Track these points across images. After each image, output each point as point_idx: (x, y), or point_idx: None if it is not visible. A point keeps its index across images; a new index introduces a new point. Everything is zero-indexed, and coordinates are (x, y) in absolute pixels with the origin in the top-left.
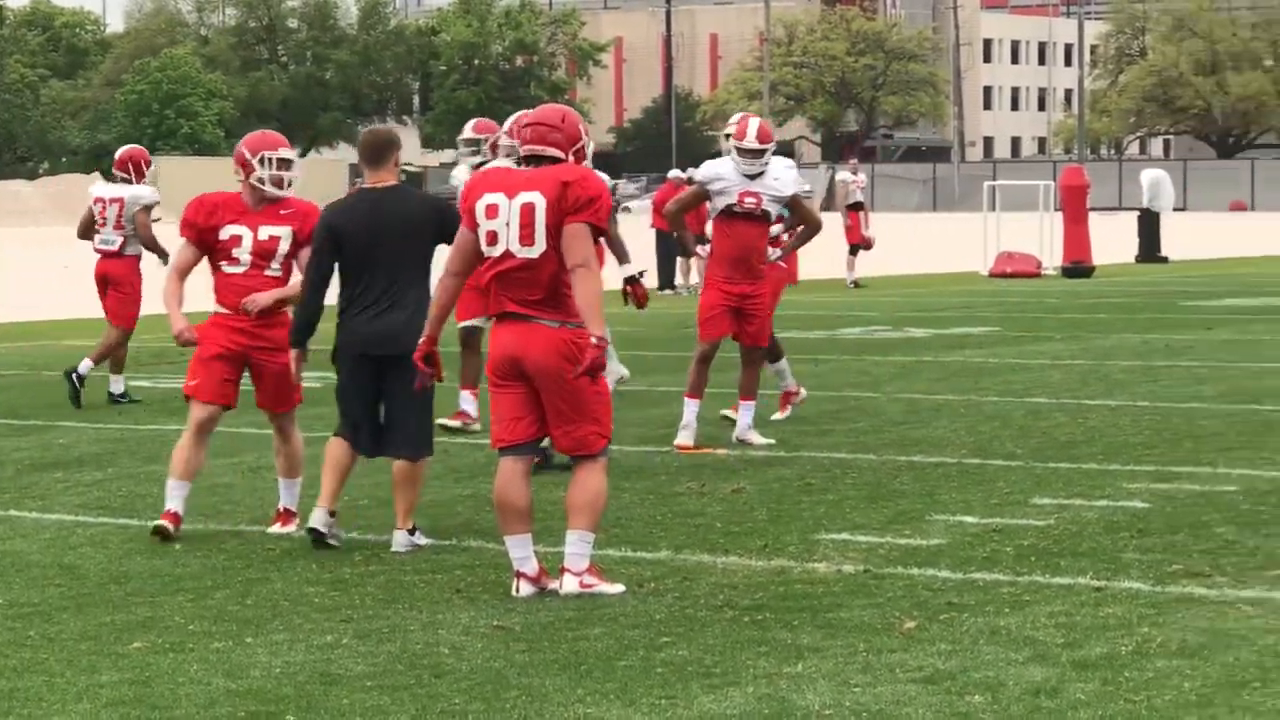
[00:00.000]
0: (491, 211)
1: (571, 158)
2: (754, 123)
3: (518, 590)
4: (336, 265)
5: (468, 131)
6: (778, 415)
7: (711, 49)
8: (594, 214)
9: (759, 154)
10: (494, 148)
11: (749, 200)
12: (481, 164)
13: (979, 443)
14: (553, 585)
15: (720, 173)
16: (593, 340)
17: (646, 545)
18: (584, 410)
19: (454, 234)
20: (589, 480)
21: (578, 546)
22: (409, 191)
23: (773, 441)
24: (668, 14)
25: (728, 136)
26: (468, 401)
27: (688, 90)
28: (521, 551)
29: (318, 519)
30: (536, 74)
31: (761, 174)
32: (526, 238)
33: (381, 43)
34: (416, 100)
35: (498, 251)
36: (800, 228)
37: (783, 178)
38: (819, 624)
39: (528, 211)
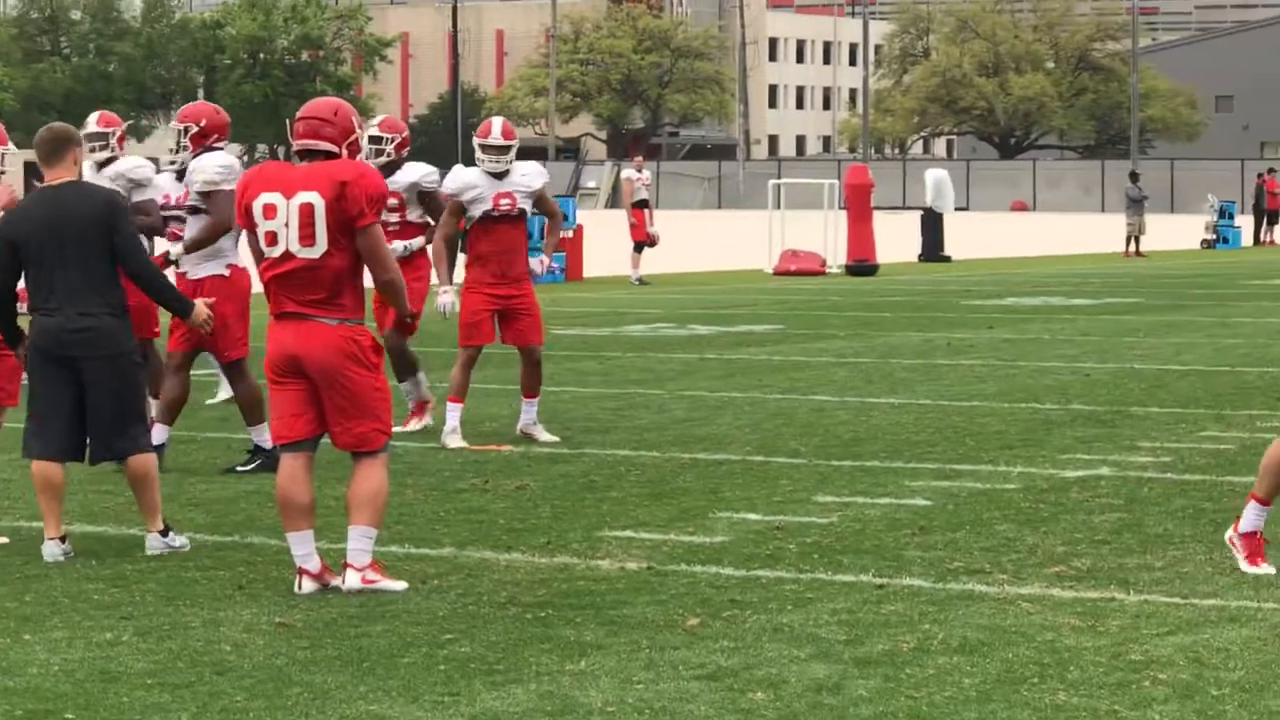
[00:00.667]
0: (269, 211)
1: (345, 151)
2: (497, 121)
3: (300, 587)
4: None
5: (91, 125)
6: (414, 425)
7: (498, 45)
8: (375, 214)
9: (504, 150)
10: (120, 141)
11: (504, 202)
12: (110, 159)
13: (763, 440)
14: (335, 582)
15: (469, 180)
16: (407, 320)
17: (429, 542)
18: (364, 407)
19: (123, 230)
20: (370, 476)
21: (360, 542)
22: (89, 186)
23: (557, 439)
24: (454, 9)
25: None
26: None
27: (474, 86)
28: (304, 548)
29: (51, 552)
30: (323, 69)
31: (508, 172)
32: (306, 238)
33: (166, 36)
34: (201, 94)
35: (277, 252)
36: (548, 225)
37: (529, 173)
38: (602, 621)
39: (306, 212)
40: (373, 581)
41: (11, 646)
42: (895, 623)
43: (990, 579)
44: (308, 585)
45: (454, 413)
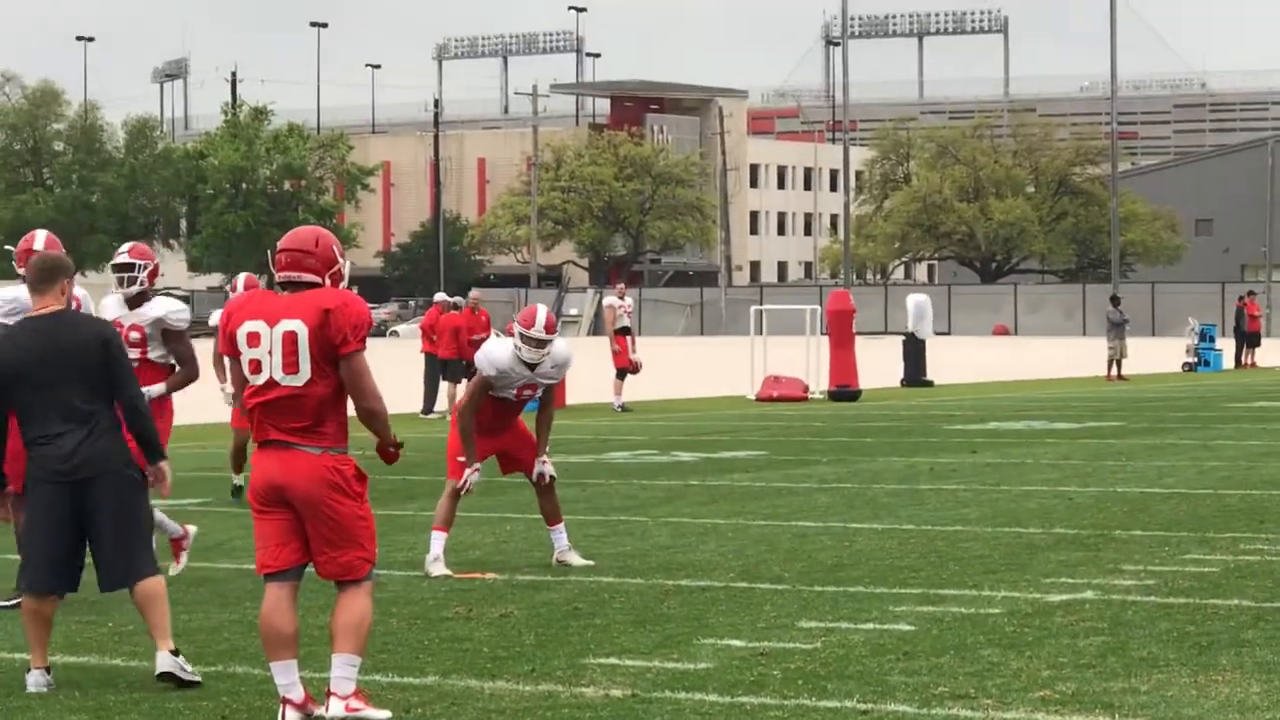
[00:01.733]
0: (253, 340)
1: (328, 280)
2: (542, 312)
3: (284, 717)
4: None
5: (122, 256)
6: (175, 568)
7: (480, 173)
8: (360, 341)
9: (544, 344)
10: (152, 276)
11: (526, 393)
12: (140, 294)
13: (746, 566)
14: (319, 711)
15: (502, 368)
16: (390, 449)
17: (413, 670)
18: (348, 536)
19: (119, 359)
20: (354, 603)
21: (344, 670)
22: (80, 316)
23: (592, 562)
24: (435, 138)
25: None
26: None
27: (456, 214)
28: (287, 678)
29: (36, 682)
30: (305, 198)
31: (541, 363)
32: (290, 366)
33: (149, 166)
34: (184, 224)
35: (261, 380)
36: (542, 416)
37: (560, 363)
38: None
39: (290, 340)
40: (356, 710)
41: None
42: None
43: (975, 704)
44: (291, 715)
45: (438, 541)
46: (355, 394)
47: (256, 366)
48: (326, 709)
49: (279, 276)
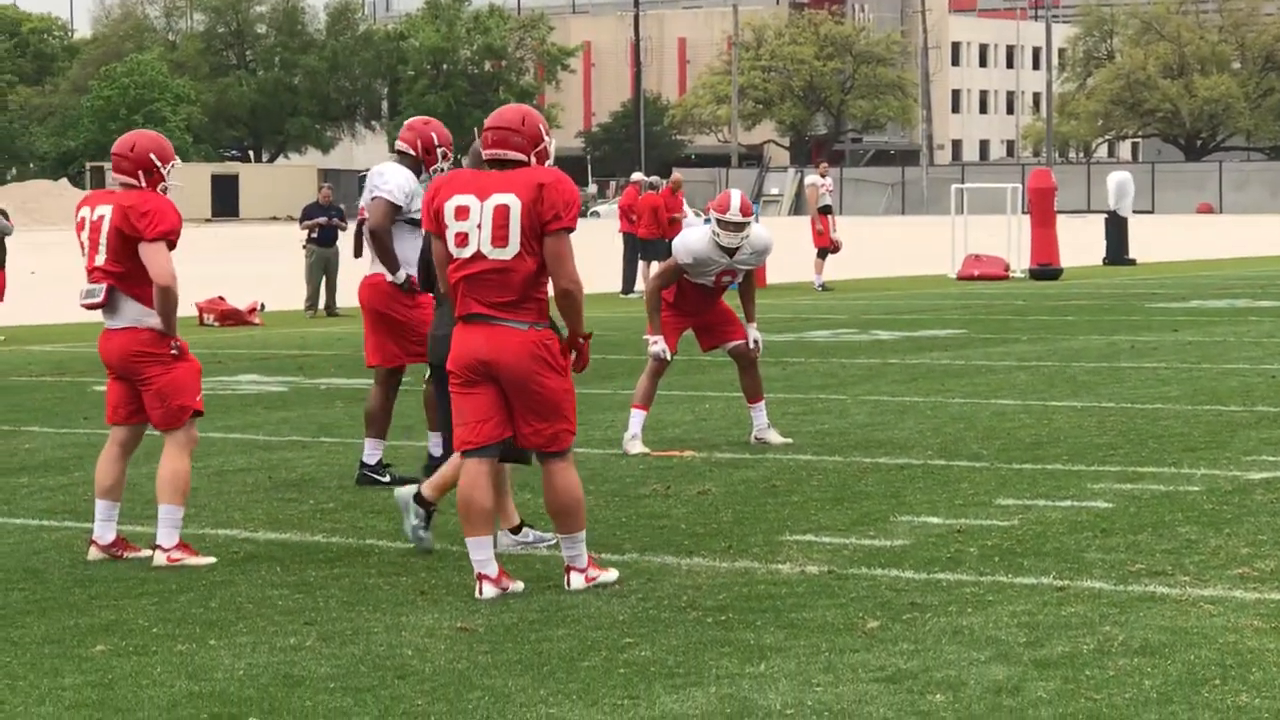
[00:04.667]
0: (461, 213)
1: (534, 159)
2: (735, 195)
3: (481, 592)
4: None
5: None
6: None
7: (680, 53)
8: (570, 217)
9: (741, 227)
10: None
11: (725, 279)
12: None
13: (944, 444)
14: (514, 587)
15: (700, 256)
16: (580, 339)
17: (611, 547)
18: (554, 409)
19: None
20: (565, 482)
21: (573, 548)
22: None
23: (790, 440)
24: (636, 18)
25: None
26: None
27: (656, 94)
28: (483, 553)
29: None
30: (505, 79)
31: (740, 248)
32: (500, 239)
33: (350, 48)
34: (385, 105)
35: (468, 253)
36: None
37: (759, 249)
38: (782, 624)
39: (501, 213)
40: (594, 578)
41: (197, 651)
42: (1075, 625)
43: (1172, 581)
44: (488, 590)
45: (637, 419)
46: (555, 273)
47: (463, 240)
48: (568, 584)
49: (485, 154)
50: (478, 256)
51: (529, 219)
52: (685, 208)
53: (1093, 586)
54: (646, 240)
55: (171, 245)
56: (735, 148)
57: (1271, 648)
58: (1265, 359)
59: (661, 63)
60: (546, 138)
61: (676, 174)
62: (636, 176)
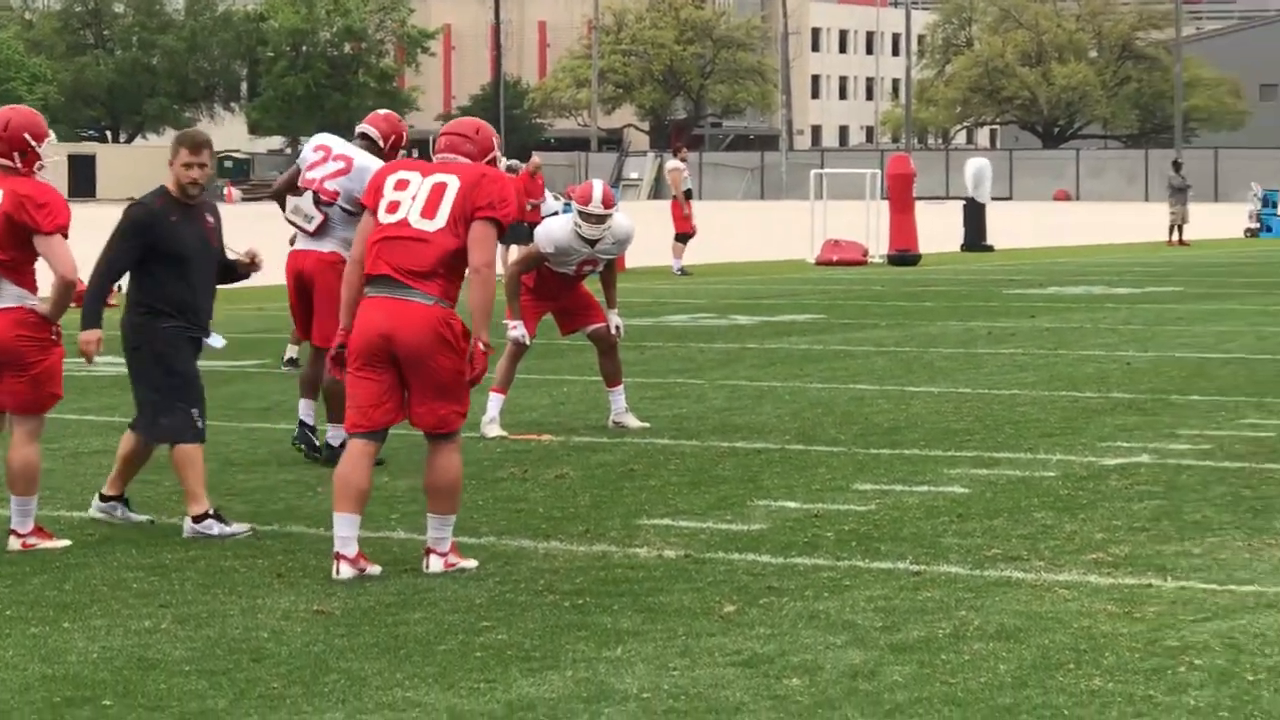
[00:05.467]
0: (401, 185)
1: None
2: (598, 186)
3: (337, 573)
4: None
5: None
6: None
7: (540, 36)
8: (504, 213)
9: (603, 220)
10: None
11: (587, 268)
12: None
13: (802, 429)
14: (372, 570)
15: (561, 246)
16: (480, 346)
17: (468, 531)
18: (450, 390)
19: None
20: (449, 463)
21: (440, 530)
22: None
23: (648, 424)
24: (496, 1)
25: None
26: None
27: (516, 78)
28: (348, 531)
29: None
30: (365, 61)
31: (601, 239)
32: (430, 211)
33: (209, 29)
34: (244, 87)
35: (394, 219)
36: (606, 277)
37: (621, 239)
38: (639, 608)
39: (438, 189)
40: (454, 564)
41: (51, 634)
42: (932, 609)
43: (1027, 566)
44: (345, 570)
45: (495, 402)
46: (473, 253)
47: (394, 207)
48: (426, 566)
49: (436, 158)
50: (403, 224)
51: (462, 201)
52: (545, 192)
53: (948, 571)
54: None
55: (65, 236)
56: (595, 132)
57: (1125, 632)
58: (1121, 346)
59: (521, 46)
60: (497, 150)
61: (535, 158)
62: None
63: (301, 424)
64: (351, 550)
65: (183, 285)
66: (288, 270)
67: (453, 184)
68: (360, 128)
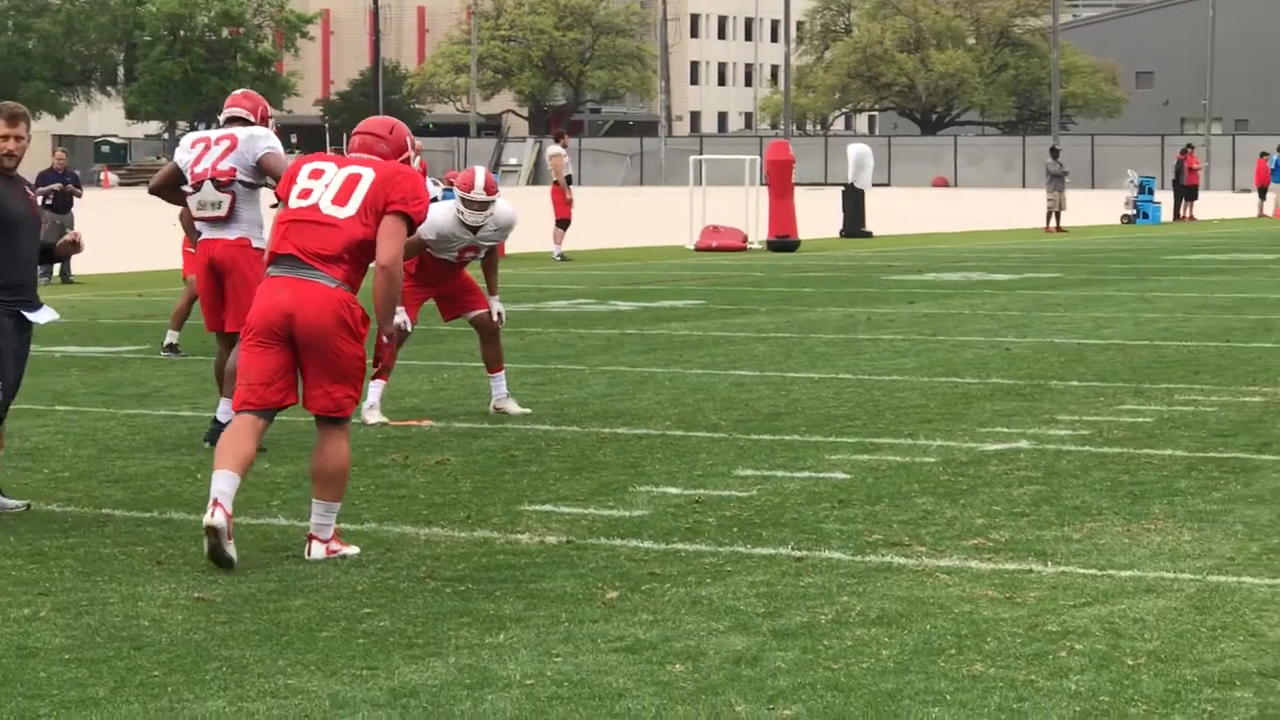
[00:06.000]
0: (316, 174)
1: None
2: (480, 173)
3: (212, 515)
4: None
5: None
6: None
7: (419, 21)
8: (415, 209)
9: (486, 206)
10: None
11: (469, 254)
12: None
13: (683, 415)
14: (230, 547)
15: (444, 233)
16: (384, 338)
17: (349, 518)
18: (346, 375)
19: None
20: (338, 449)
21: (324, 517)
22: None
23: (529, 410)
24: None
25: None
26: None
27: (395, 63)
28: (229, 486)
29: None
30: (243, 46)
31: (483, 225)
32: (341, 199)
33: (86, 12)
34: (121, 71)
35: (305, 204)
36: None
37: (503, 226)
38: (522, 594)
39: (352, 180)
40: (336, 551)
41: None
42: (814, 595)
43: (909, 551)
44: (218, 516)
45: (376, 389)
46: (381, 247)
47: (306, 194)
48: (308, 552)
49: (350, 157)
50: (313, 209)
51: (375, 193)
52: (425, 177)
53: (831, 557)
54: None
55: None
56: (474, 117)
57: (1006, 617)
58: (1000, 332)
59: (400, 31)
60: (412, 150)
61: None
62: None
63: (215, 422)
64: (229, 504)
65: (8, 254)
66: (197, 261)
67: (367, 175)
68: (229, 113)
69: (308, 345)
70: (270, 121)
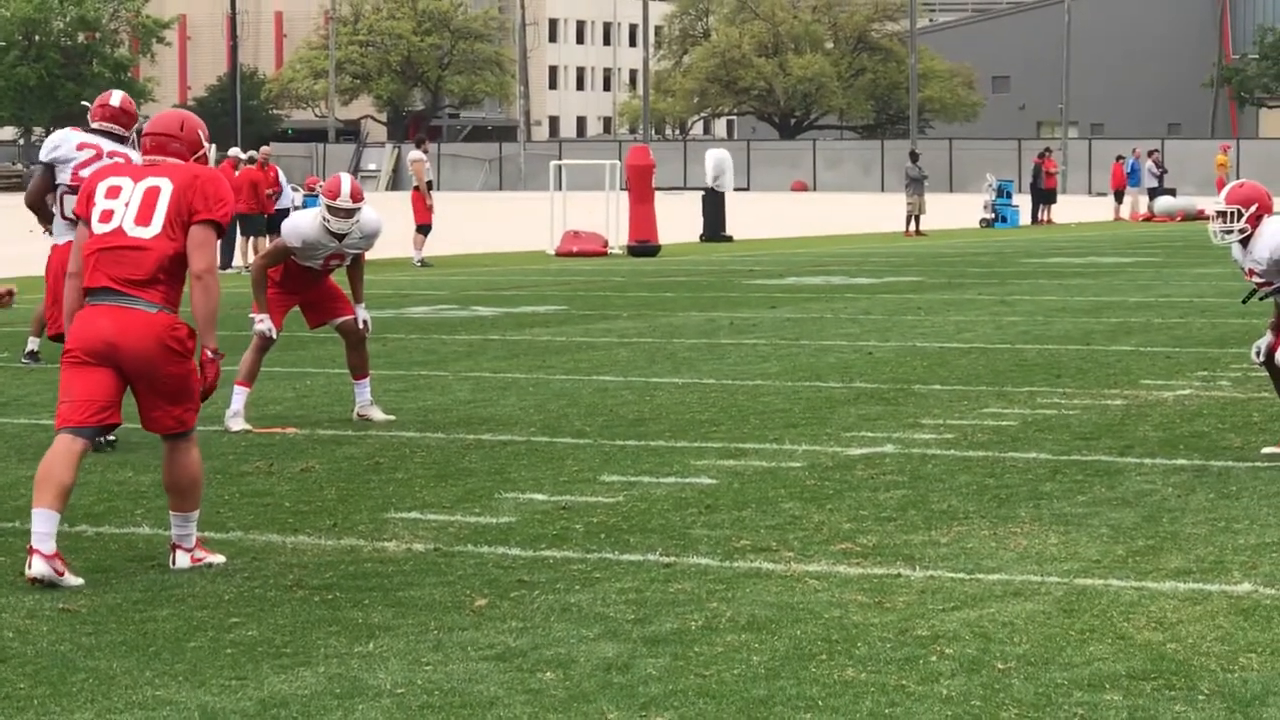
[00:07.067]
0: (113, 192)
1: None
2: (346, 180)
3: (30, 566)
4: None
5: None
6: None
7: (277, 27)
8: (221, 213)
9: (352, 214)
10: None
11: (334, 262)
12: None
13: (547, 421)
14: (69, 578)
15: (309, 240)
16: (209, 353)
17: (214, 526)
18: (182, 393)
19: None
20: (188, 459)
21: (184, 528)
22: None
23: (393, 417)
24: None
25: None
26: None
27: (253, 68)
28: (46, 527)
29: None
30: (99, 51)
31: (349, 233)
32: (144, 218)
33: None
34: None
35: (109, 228)
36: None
37: (369, 234)
38: (390, 603)
39: (152, 194)
40: (200, 559)
41: None
42: (683, 601)
43: (777, 556)
44: (39, 566)
45: (240, 396)
46: (193, 258)
47: (107, 216)
48: (173, 562)
49: (144, 160)
50: (118, 233)
51: (177, 204)
52: (281, 182)
53: (699, 563)
54: (245, 215)
55: None
56: (333, 122)
57: (875, 622)
58: (862, 336)
59: (258, 36)
60: (205, 145)
61: (265, 148)
62: (233, 152)
63: None
64: (48, 547)
65: None
66: (61, 263)
67: (166, 187)
68: (103, 127)
69: (137, 374)
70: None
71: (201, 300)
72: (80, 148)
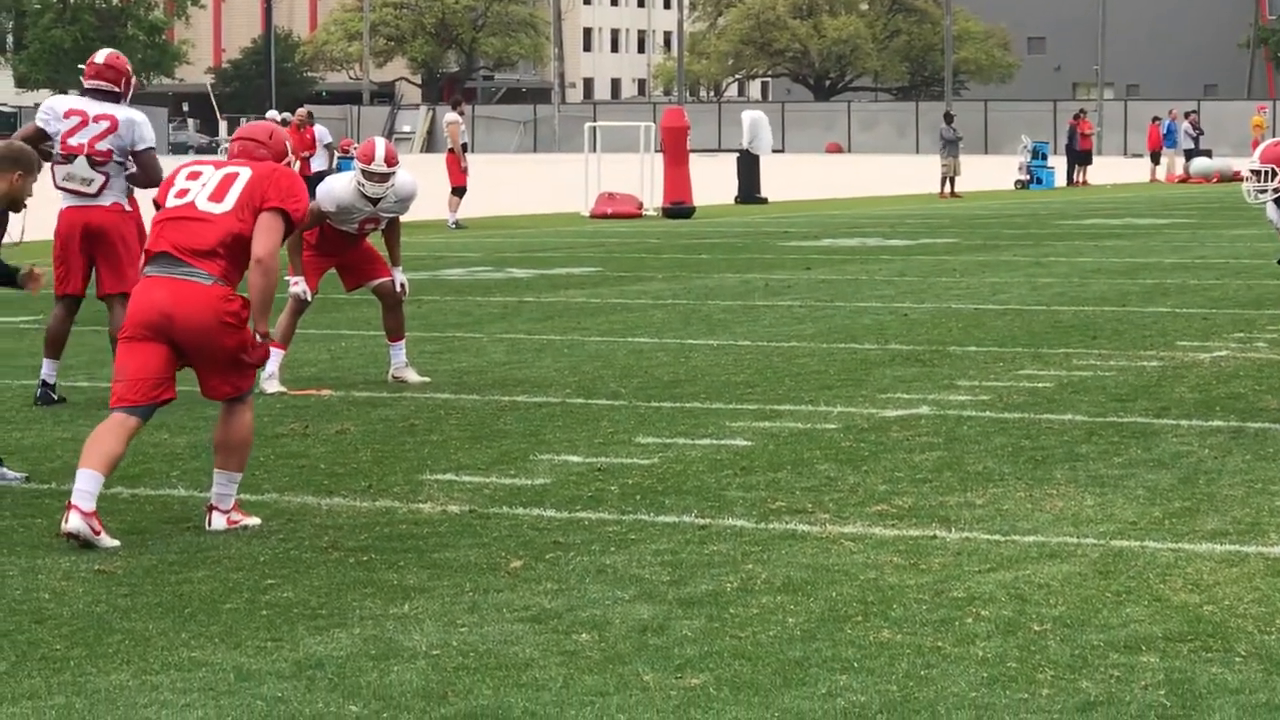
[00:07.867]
0: (194, 175)
1: None
2: (381, 144)
3: (66, 520)
4: None
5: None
6: None
7: None
8: (294, 206)
9: (386, 178)
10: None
11: (369, 226)
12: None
13: (582, 382)
14: (105, 539)
15: (344, 205)
16: (257, 337)
17: (250, 488)
18: (238, 363)
19: None
20: (243, 420)
21: (226, 487)
22: None
23: (429, 379)
24: None
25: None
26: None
27: (287, 31)
28: (91, 485)
29: None
30: (133, 14)
31: (384, 197)
32: (218, 196)
33: None
34: (10, 39)
35: (181, 202)
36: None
37: (404, 198)
38: (425, 564)
39: (230, 178)
40: (237, 522)
41: None
42: (719, 563)
43: (812, 518)
44: (74, 520)
45: (274, 358)
46: (257, 241)
47: (183, 194)
48: (209, 524)
49: (229, 160)
50: (189, 206)
51: (251, 190)
52: (318, 145)
53: (734, 524)
54: None
55: None
56: (367, 85)
57: (911, 584)
58: (897, 297)
59: None
60: (290, 155)
61: (301, 110)
62: (271, 114)
63: (44, 385)
64: (88, 505)
65: None
66: (67, 226)
67: (244, 174)
68: (93, 84)
69: (192, 346)
70: (131, 88)
71: (260, 284)
72: (67, 115)
